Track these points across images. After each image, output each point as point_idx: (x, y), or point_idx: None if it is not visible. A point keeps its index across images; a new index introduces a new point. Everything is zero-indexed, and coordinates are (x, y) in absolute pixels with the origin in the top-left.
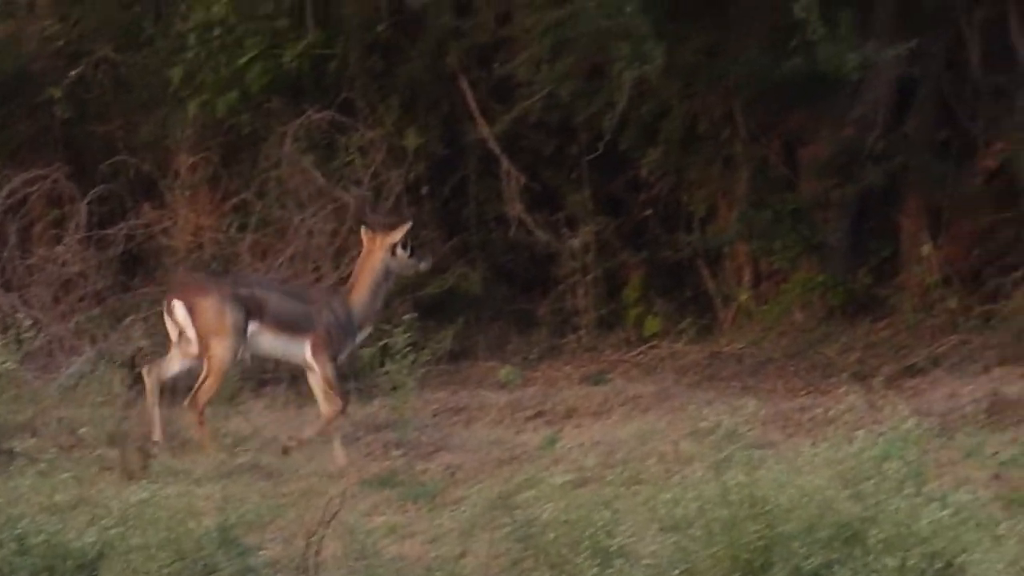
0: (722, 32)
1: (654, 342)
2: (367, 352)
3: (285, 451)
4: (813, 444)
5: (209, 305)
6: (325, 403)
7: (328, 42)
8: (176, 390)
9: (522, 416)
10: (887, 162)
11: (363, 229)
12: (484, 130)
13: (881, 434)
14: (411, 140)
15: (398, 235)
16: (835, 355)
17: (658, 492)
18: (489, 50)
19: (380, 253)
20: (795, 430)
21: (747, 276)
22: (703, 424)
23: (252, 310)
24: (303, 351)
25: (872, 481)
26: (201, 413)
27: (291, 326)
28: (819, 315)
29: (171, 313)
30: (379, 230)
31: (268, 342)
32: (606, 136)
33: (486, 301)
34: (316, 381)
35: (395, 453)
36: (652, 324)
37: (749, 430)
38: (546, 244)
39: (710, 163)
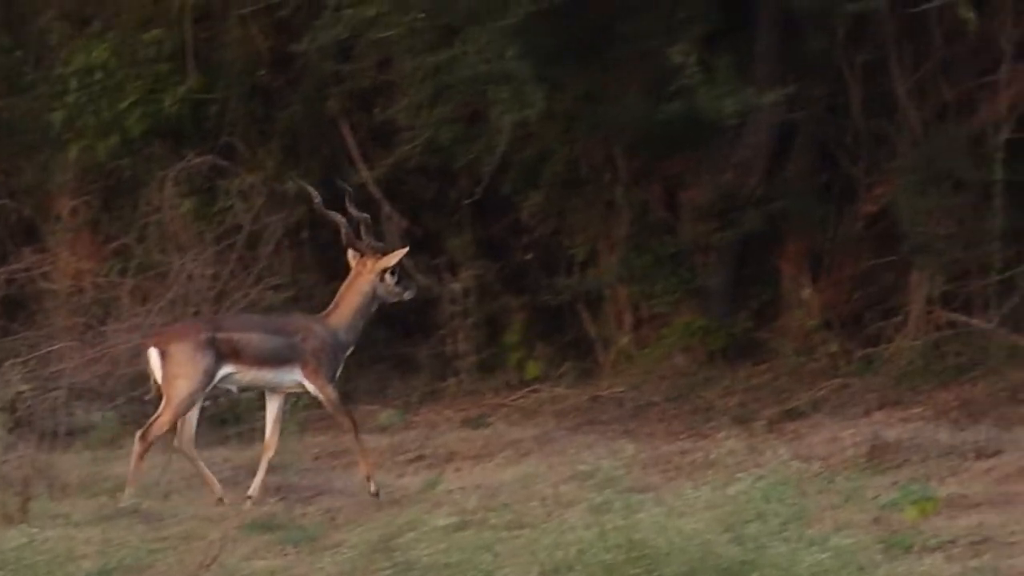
0: (602, 77)
1: (535, 386)
2: (247, 397)
3: (376, 494)
4: (693, 487)
5: (181, 350)
6: (343, 421)
7: (209, 87)
8: (57, 434)
9: (403, 459)
10: (767, 206)
11: (351, 253)
12: (365, 174)
13: (762, 477)
14: (291, 184)
15: (393, 260)
16: (716, 399)
17: (539, 535)
18: (370, 94)
19: (370, 276)
20: (675, 473)
21: (628, 320)
22: (583, 467)
23: (228, 353)
24: (294, 378)
25: (753, 524)
26: (146, 448)
27: (273, 359)
28: (699, 359)
29: (147, 361)
30: (370, 254)
31: (252, 376)
32: (486, 180)
33: (367, 345)
34: (325, 405)
35: (275, 497)
36: (533, 368)
37: (629, 473)
38: (427, 288)
39: (591, 207)
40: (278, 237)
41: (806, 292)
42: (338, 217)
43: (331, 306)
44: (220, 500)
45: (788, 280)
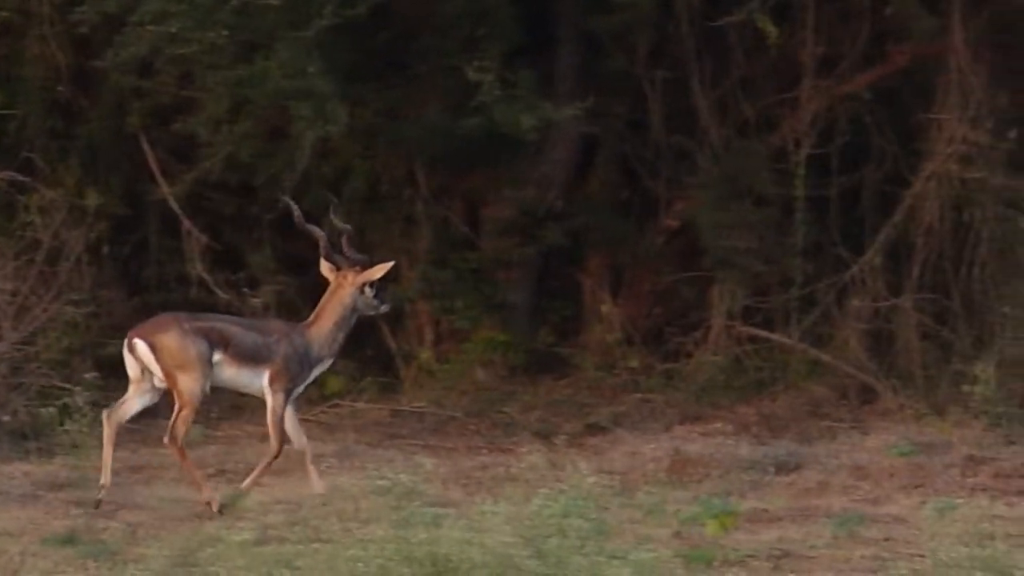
0: (403, 93)
1: (335, 401)
2: (47, 411)
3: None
4: (495, 502)
5: (170, 339)
6: (273, 438)
7: (8, 102)
8: None
9: (204, 474)
10: (568, 221)
11: (327, 266)
12: (165, 190)
13: (562, 492)
14: (92, 200)
15: (377, 274)
16: (517, 414)
17: (340, 550)
18: (170, 110)
19: (350, 289)
20: (476, 488)
21: (428, 335)
22: (384, 482)
23: (215, 341)
24: (261, 382)
25: (554, 539)
26: (181, 448)
27: (252, 358)
28: (501, 374)
29: (132, 351)
30: (348, 267)
31: (230, 373)
32: (288, 196)
33: None
34: (267, 412)
35: (76, 511)
36: (334, 383)
37: (430, 488)
38: (227, 304)
39: (391, 222)
40: (78, 252)
41: (607, 307)
42: (316, 231)
43: (311, 317)
44: (102, 487)
45: (589, 295)
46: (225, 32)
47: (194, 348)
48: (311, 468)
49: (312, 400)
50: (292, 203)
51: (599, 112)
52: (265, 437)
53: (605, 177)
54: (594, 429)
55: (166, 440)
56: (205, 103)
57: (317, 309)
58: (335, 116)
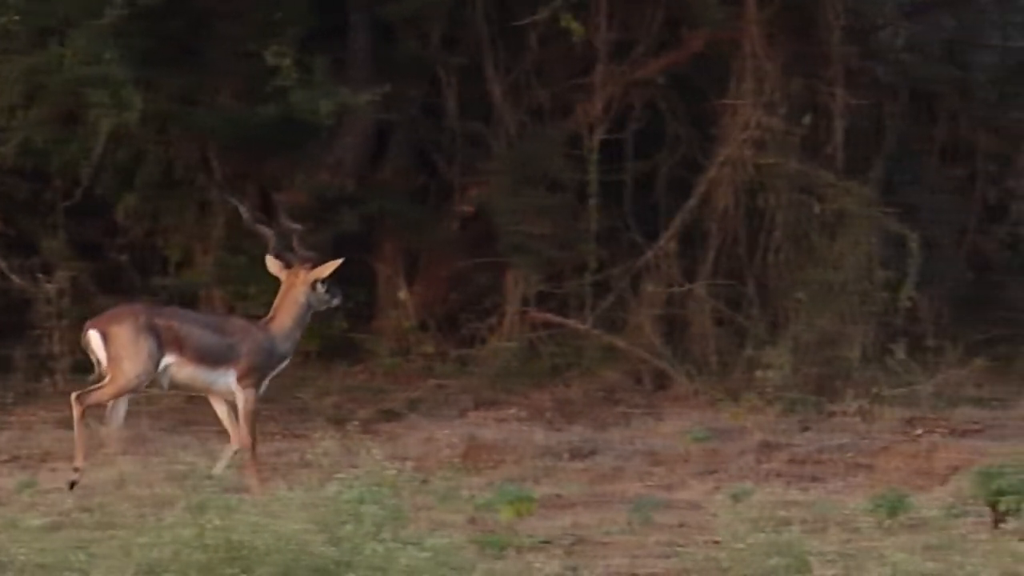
0: (197, 78)
1: None
2: None
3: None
4: (289, 488)
5: (123, 332)
6: (244, 433)
7: None
8: None
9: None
10: (362, 207)
11: (276, 264)
12: None
13: (357, 478)
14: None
15: (326, 271)
16: (311, 399)
17: (134, 535)
18: None
19: (303, 287)
20: (271, 474)
21: None
22: (179, 468)
23: (170, 342)
24: (227, 381)
25: (348, 525)
26: (83, 412)
27: (213, 358)
28: (295, 360)
29: (87, 343)
30: (299, 264)
31: (189, 373)
32: (83, 182)
33: None
34: (238, 410)
35: None
36: None
37: (225, 474)
38: (21, 290)
39: (185, 208)
40: None
41: (402, 293)
42: (266, 230)
43: (269, 315)
44: (77, 469)
45: (384, 281)
46: (17, 17)
47: (145, 345)
48: (228, 456)
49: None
50: (240, 203)
51: (393, 98)
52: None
53: (399, 163)
54: (389, 415)
55: (74, 396)
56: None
57: (274, 307)
58: (131, 102)
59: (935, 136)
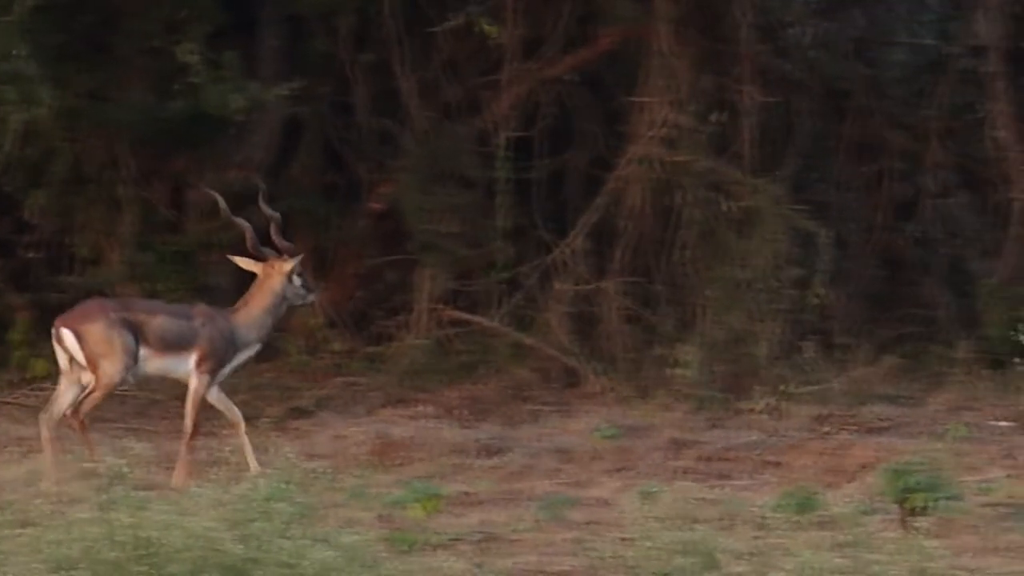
0: (107, 74)
1: (41, 383)
2: None
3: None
4: (199, 486)
5: (97, 330)
6: (189, 418)
7: None
8: None
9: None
10: (272, 204)
11: (247, 261)
12: None
13: (267, 476)
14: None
15: (292, 263)
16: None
17: (44, 532)
18: None
19: (280, 278)
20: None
21: None
22: (89, 465)
23: (139, 332)
24: (188, 365)
25: (258, 523)
26: (82, 421)
27: (175, 344)
28: None
29: (60, 341)
30: (274, 257)
31: (154, 363)
32: None
33: None
34: (188, 392)
35: None
36: (38, 365)
37: (134, 472)
38: None
39: (95, 206)
40: None
41: None
42: (243, 223)
43: (239, 303)
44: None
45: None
46: None
47: (119, 339)
48: (246, 442)
49: (15, 383)
50: (217, 195)
51: (303, 94)
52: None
53: (309, 160)
54: (298, 412)
55: (67, 412)
56: None
57: (245, 296)
58: (41, 99)
59: (845, 134)
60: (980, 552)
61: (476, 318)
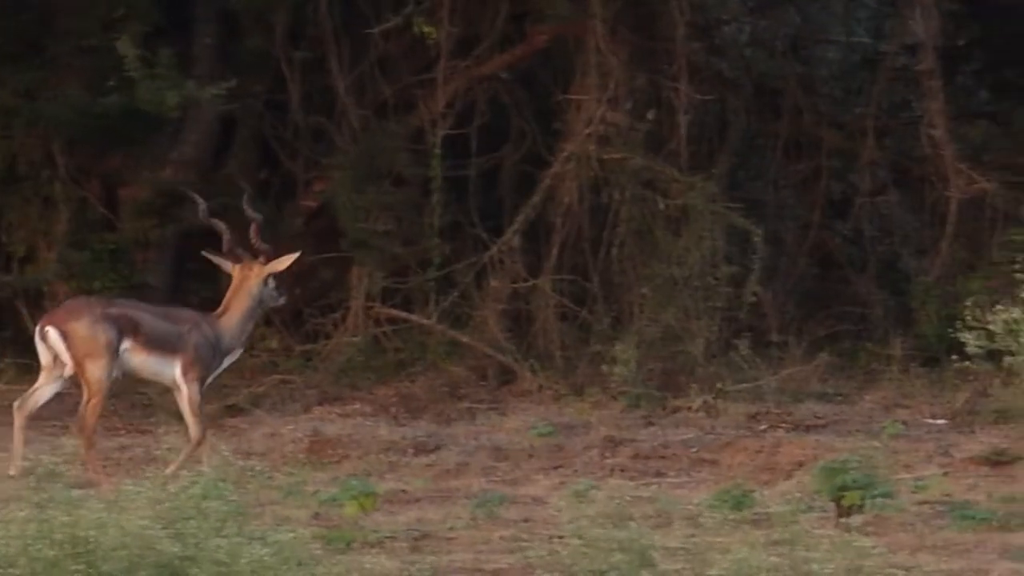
0: (43, 73)
1: None
2: None
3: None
4: (134, 484)
5: (82, 327)
6: (193, 426)
7: None
8: None
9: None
10: (207, 202)
11: (222, 261)
12: None
13: (201, 474)
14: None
15: (282, 265)
16: (156, 395)
17: None
18: None
19: (257, 280)
20: (116, 469)
21: None
22: (25, 463)
23: (124, 328)
24: (173, 371)
25: (193, 521)
26: (90, 437)
27: (162, 346)
28: None
29: (44, 338)
30: (248, 259)
31: (139, 360)
32: None
33: None
34: (182, 403)
35: None
36: None
37: (70, 470)
38: None
39: (29, 204)
40: None
41: None
42: (221, 225)
43: (220, 308)
44: (11, 477)
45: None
46: None
47: (104, 336)
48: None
49: None
50: (197, 197)
51: (238, 92)
52: None
53: (244, 158)
54: (233, 410)
55: (74, 430)
56: None
57: (225, 301)
58: None
59: (779, 132)
60: (915, 550)
61: (411, 316)
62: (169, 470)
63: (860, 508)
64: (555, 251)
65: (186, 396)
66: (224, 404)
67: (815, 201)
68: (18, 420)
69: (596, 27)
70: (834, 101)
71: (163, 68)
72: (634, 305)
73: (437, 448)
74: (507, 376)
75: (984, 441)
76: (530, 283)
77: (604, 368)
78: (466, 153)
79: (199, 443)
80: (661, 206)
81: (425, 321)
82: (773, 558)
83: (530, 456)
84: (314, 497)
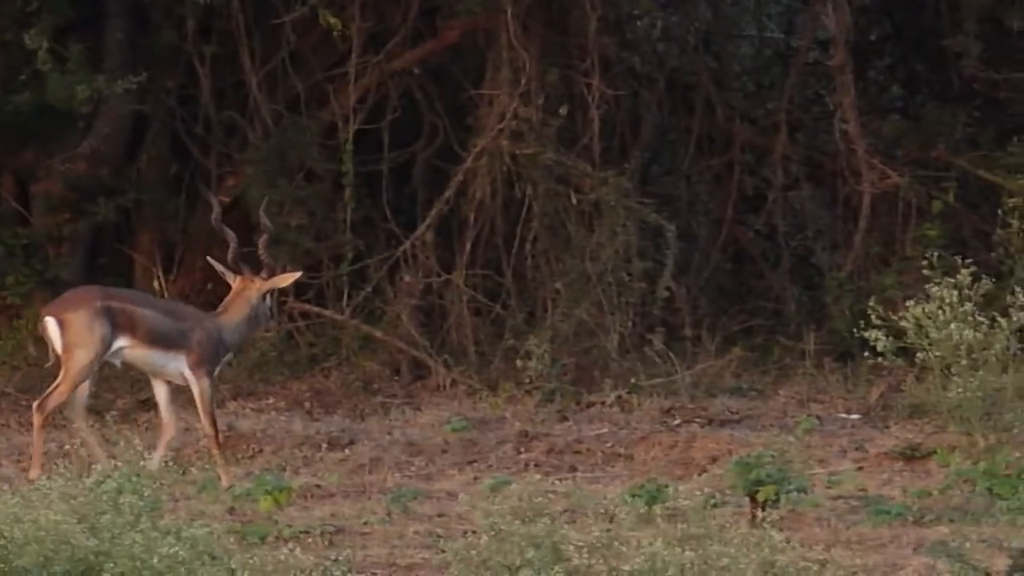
0: None
1: None
2: None
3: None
4: (48, 478)
5: (79, 318)
6: (206, 422)
7: None
8: None
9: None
10: (120, 197)
11: (221, 267)
12: None
13: (116, 468)
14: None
15: (285, 281)
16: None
17: None
18: None
19: (256, 293)
20: (29, 464)
21: None
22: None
23: (124, 324)
24: (178, 366)
25: (108, 515)
26: (46, 418)
27: (165, 341)
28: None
29: (44, 330)
30: (249, 274)
31: (142, 355)
32: None
33: None
34: (196, 397)
35: None
36: None
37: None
38: None
39: None
40: None
41: (158, 283)
42: (229, 233)
43: (220, 308)
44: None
45: (141, 271)
46: None
47: (99, 330)
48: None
49: None
50: (214, 199)
51: (149, 87)
52: None
53: (155, 152)
54: (147, 405)
55: (35, 405)
56: None
57: (224, 303)
58: None
59: (692, 127)
60: (829, 545)
61: (324, 311)
62: (153, 464)
63: (774, 503)
64: (468, 246)
65: (198, 393)
66: (138, 398)
67: (728, 196)
68: (38, 421)
69: (508, 22)
70: (746, 96)
71: (74, 63)
72: (548, 300)
73: (351, 443)
74: (421, 371)
75: (898, 436)
76: (443, 278)
77: (518, 363)
78: (378, 148)
79: (216, 437)
80: (574, 201)
81: (338, 316)
82: (687, 553)
83: (444, 451)
84: (228, 492)
